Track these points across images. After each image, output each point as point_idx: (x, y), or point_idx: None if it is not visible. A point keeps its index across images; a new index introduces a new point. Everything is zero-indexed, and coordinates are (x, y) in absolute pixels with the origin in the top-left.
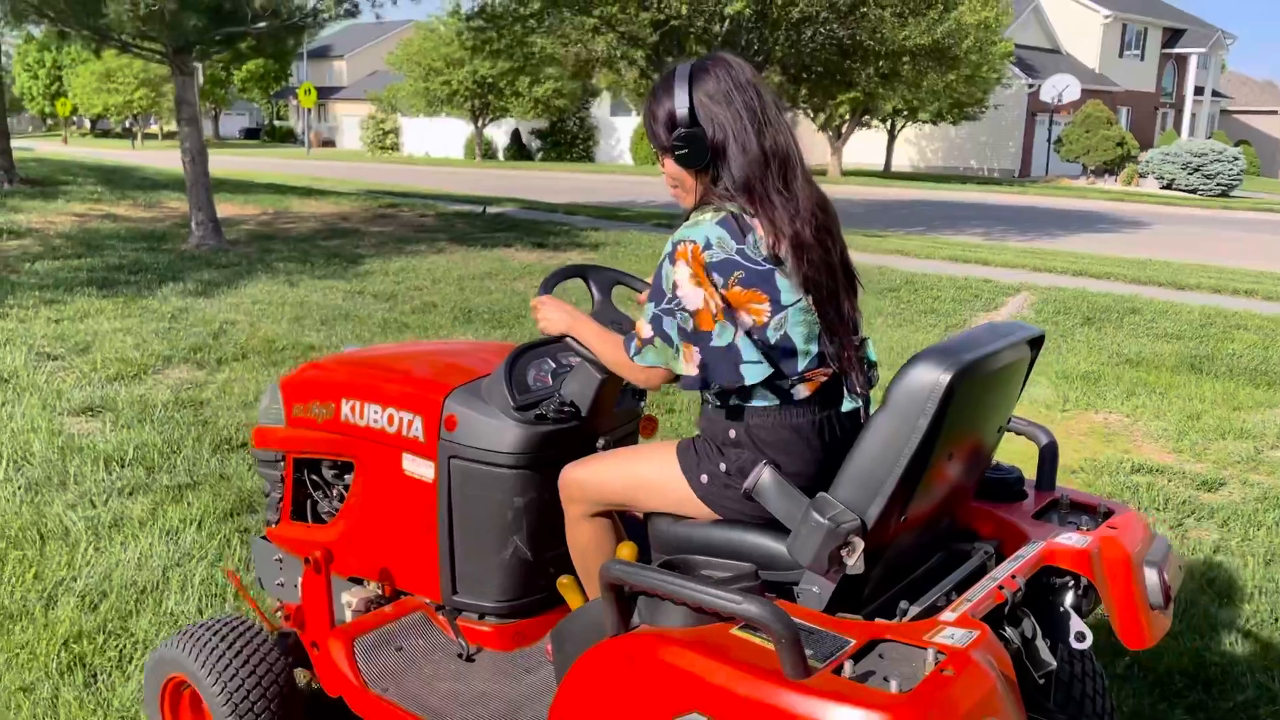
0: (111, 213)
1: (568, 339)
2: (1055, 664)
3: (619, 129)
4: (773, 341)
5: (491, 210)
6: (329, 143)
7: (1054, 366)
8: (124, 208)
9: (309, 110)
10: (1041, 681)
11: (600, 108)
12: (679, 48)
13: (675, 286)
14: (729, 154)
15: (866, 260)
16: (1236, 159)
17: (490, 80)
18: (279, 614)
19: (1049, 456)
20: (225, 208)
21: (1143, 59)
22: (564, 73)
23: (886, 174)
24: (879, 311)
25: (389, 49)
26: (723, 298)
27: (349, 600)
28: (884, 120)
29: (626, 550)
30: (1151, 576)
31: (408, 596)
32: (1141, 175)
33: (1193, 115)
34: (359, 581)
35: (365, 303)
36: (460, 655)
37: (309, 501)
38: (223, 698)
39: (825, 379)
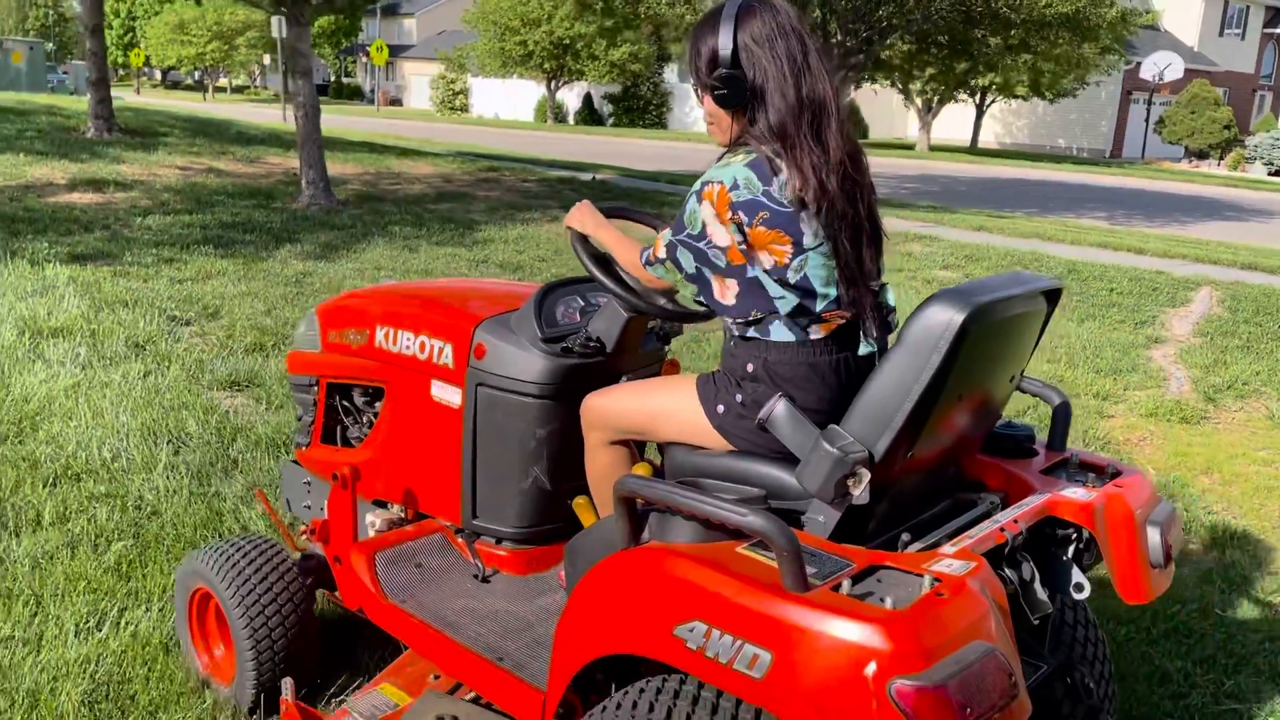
0: (214, 167)
1: (573, 235)
2: (1052, 608)
3: (692, 96)
4: (792, 282)
5: (597, 178)
6: (396, 101)
7: None
8: (224, 162)
9: (379, 68)
10: (1036, 623)
11: (670, 73)
12: (801, 8)
13: (704, 226)
14: (767, 99)
15: (1014, 245)
16: None
17: (567, 41)
18: (304, 536)
19: (1061, 417)
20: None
21: (1243, 38)
22: (642, 36)
23: (973, 150)
24: None
25: (462, 6)
26: (745, 237)
27: (372, 520)
28: (972, 95)
29: (642, 470)
30: (1154, 535)
31: (429, 519)
32: (1248, 160)
33: None
34: (383, 505)
35: (492, 273)
36: (476, 576)
37: (339, 426)
38: (240, 611)
39: (842, 322)
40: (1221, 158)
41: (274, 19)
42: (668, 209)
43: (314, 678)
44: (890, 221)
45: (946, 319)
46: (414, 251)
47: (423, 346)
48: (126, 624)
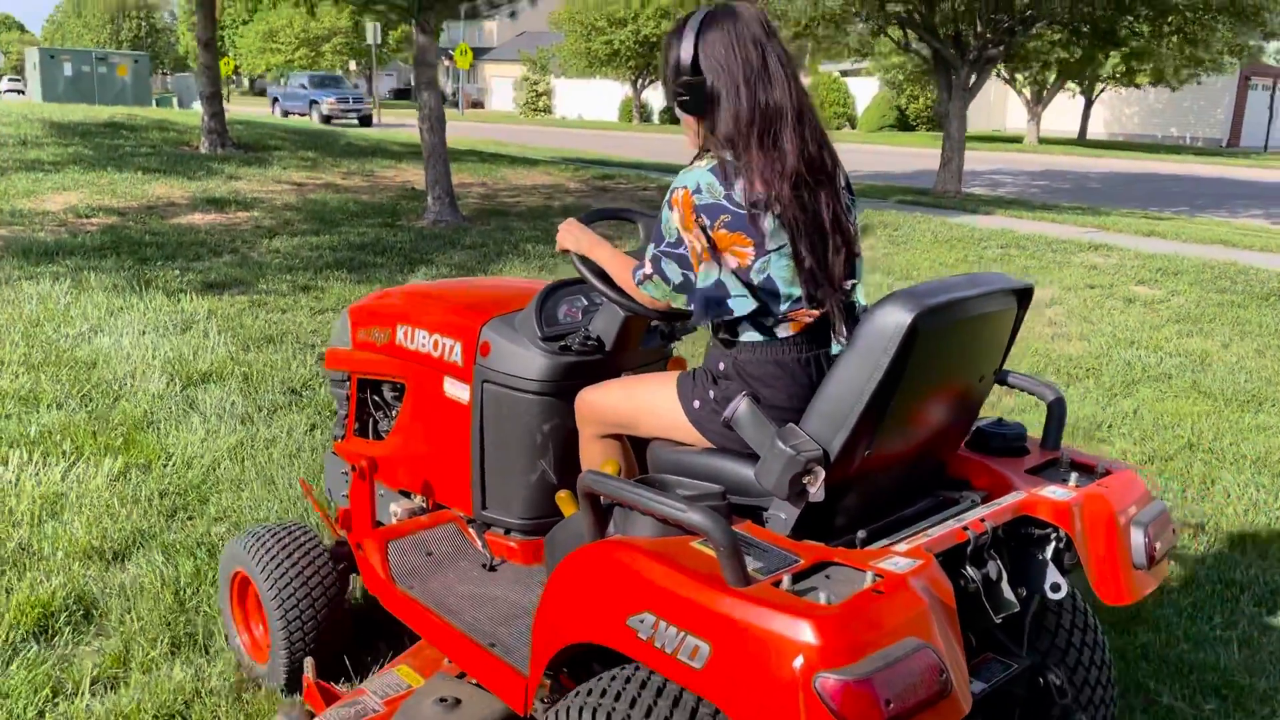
0: (331, 182)
1: (573, 257)
2: (1018, 608)
3: None
4: (756, 283)
5: None
6: (478, 104)
7: None
8: (338, 177)
9: (463, 71)
10: (999, 621)
11: None
12: (929, 4)
13: (678, 233)
14: (721, 106)
15: (1206, 254)
16: None
17: (654, 40)
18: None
19: (1056, 414)
20: None
21: None
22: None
23: (1082, 141)
24: None
25: (548, 8)
26: (709, 239)
27: (395, 510)
28: (1081, 83)
29: (610, 467)
30: (1137, 537)
31: (445, 509)
32: None
33: None
34: (407, 495)
35: None
36: (485, 565)
37: (370, 419)
38: (273, 595)
39: (811, 320)
40: None
41: (369, 25)
42: None
43: (345, 658)
44: (1046, 227)
45: (896, 320)
46: (552, 272)
47: (435, 344)
48: None
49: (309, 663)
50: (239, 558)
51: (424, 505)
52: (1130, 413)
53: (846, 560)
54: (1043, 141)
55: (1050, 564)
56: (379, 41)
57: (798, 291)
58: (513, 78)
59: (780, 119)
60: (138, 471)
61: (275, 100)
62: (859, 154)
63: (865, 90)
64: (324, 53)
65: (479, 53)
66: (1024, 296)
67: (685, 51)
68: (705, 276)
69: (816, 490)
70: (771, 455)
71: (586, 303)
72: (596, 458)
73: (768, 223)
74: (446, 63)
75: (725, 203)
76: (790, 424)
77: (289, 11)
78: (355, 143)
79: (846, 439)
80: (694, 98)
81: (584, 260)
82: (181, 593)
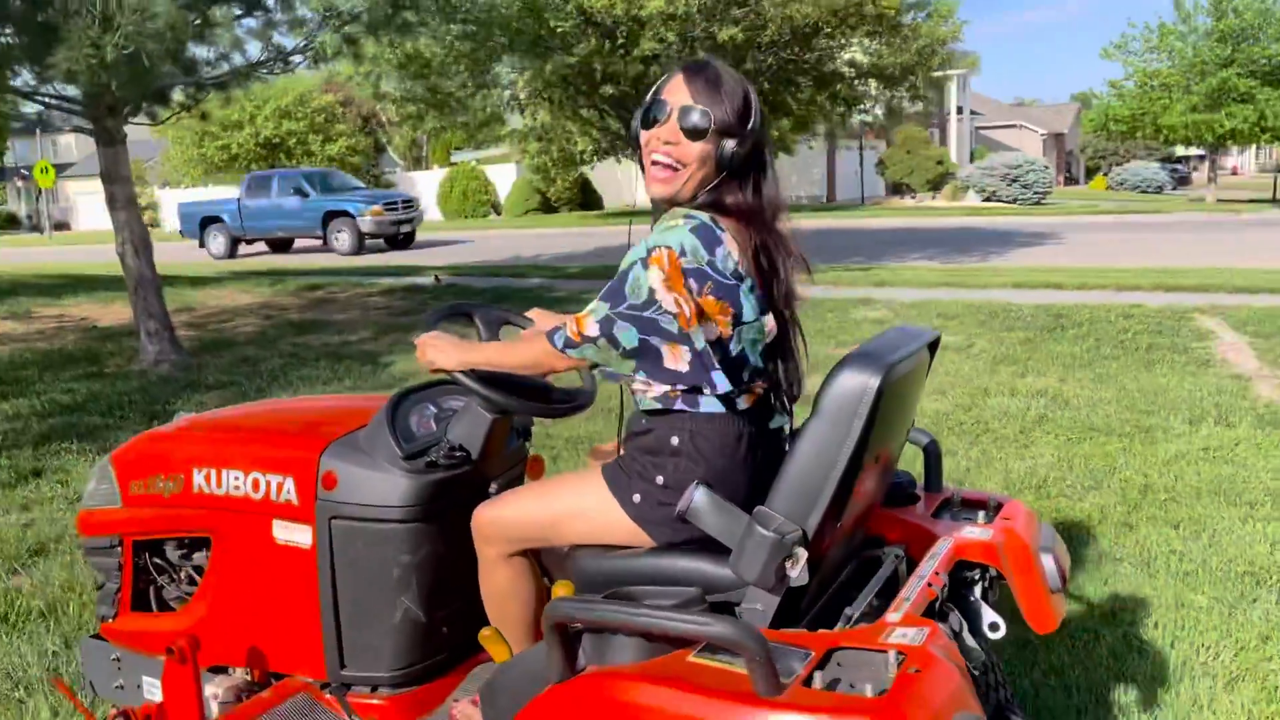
0: None
1: (457, 375)
2: (985, 656)
3: (418, 183)
4: (733, 353)
5: (441, 280)
6: (62, 225)
7: None
8: None
9: (44, 191)
10: (977, 674)
11: (389, 161)
12: (626, 81)
13: (651, 293)
14: (763, 174)
15: (945, 296)
16: (1047, 169)
17: (276, 140)
18: None
19: (934, 458)
20: (105, 311)
21: None
22: (472, 122)
23: None
24: (1095, 356)
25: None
26: (697, 305)
27: (214, 691)
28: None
29: (563, 589)
30: (1049, 562)
31: (286, 679)
32: (963, 190)
33: (957, 133)
34: (223, 670)
35: None
36: None
37: (152, 588)
38: None
39: (761, 392)
40: (935, 191)
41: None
42: (555, 305)
43: None
44: None
45: (862, 384)
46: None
47: (256, 485)
48: None
49: None
50: None
51: (248, 678)
52: (1057, 462)
53: (853, 642)
54: None
55: (984, 604)
56: None
57: (761, 363)
58: (100, 194)
59: (781, 202)
60: None
61: (217, 221)
62: (525, 239)
63: (504, 177)
64: None
65: (60, 169)
66: (933, 347)
67: (754, 105)
68: (698, 339)
69: (799, 573)
70: (751, 543)
71: (436, 409)
72: (505, 580)
73: (746, 294)
74: (20, 183)
75: (709, 269)
76: (761, 507)
77: None
78: None
79: (822, 514)
80: (752, 155)
81: (469, 372)
82: None
